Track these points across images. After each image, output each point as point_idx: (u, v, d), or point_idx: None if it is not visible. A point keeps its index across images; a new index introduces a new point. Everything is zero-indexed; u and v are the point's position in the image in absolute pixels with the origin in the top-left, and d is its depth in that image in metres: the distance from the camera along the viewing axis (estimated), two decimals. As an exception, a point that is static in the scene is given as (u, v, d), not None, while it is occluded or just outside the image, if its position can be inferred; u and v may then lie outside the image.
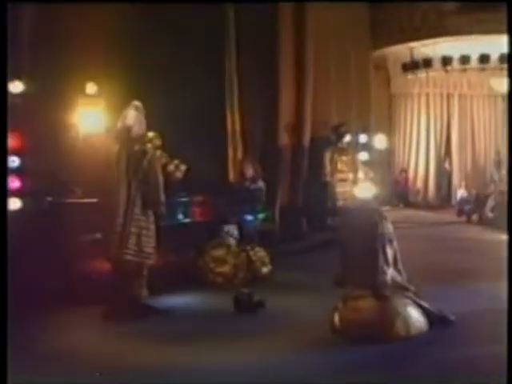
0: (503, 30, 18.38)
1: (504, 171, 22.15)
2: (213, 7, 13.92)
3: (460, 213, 19.97)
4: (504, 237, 16.19)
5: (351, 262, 8.09)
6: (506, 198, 18.53)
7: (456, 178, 23.15)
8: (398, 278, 8.09)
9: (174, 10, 13.06)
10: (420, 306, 8.04)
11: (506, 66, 19.84)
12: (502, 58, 19.57)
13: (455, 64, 20.24)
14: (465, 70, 20.76)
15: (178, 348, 7.54)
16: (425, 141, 23.07)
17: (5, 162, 6.77)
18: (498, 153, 22.93)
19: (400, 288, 8.06)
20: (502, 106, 23.66)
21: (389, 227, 8.14)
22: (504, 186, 20.00)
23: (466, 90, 23.22)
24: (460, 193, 21.41)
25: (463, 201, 20.51)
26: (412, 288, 8.17)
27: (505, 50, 19.18)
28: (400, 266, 8.19)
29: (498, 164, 22.50)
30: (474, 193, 20.50)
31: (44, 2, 12.34)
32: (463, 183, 22.10)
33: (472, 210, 19.48)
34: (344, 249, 8.29)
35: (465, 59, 19.95)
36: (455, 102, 23.30)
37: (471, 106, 23.51)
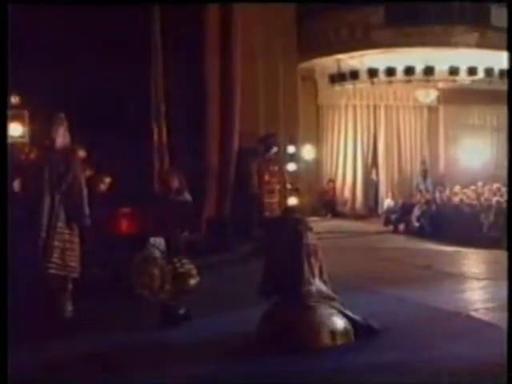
0: (426, 43, 19.03)
1: (429, 180, 22.64)
2: (139, 16, 13.83)
3: (387, 222, 20.26)
4: (429, 245, 16.61)
5: (277, 272, 8.10)
6: (432, 207, 18.98)
7: (383, 188, 23.48)
8: (324, 288, 8.12)
9: (99, 19, 12.93)
10: (345, 316, 8.10)
11: (430, 77, 20.30)
12: (426, 70, 19.95)
13: (381, 76, 20.53)
14: (391, 82, 21.07)
15: (104, 361, 7.43)
16: (352, 151, 23.34)
17: (5, 161, 6.67)
18: (423, 162, 23.41)
19: (325, 298, 8.09)
20: (426, 116, 24.16)
21: (314, 237, 8.20)
22: (430, 195, 20.46)
23: (392, 101, 23.66)
24: (387, 202, 21.68)
25: (390, 210, 20.81)
26: (337, 297, 8.22)
27: (428, 62, 19.67)
28: (325, 276, 8.23)
29: (423, 173, 22.96)
30: (401, 202, 20.81)
31: (43, 3, 12.26)
32: (390, 193, 22.40)
33: (398, 219, 19.79)
34: (269, 259, 8.30)
35: (390, 71, 20.26)
36: (381, 113, 23.68)
37: (397, 117, 23.92)
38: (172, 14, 14.44)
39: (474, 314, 9.46)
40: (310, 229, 8.25)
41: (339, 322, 7.98)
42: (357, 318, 8.18)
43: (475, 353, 7.50)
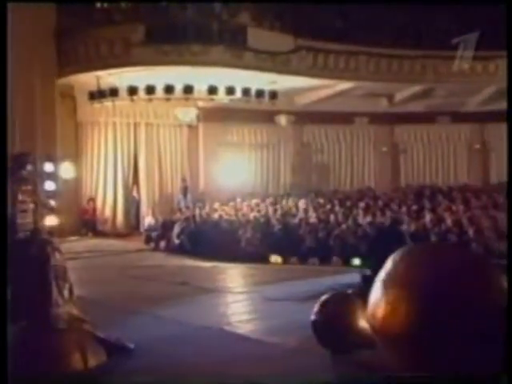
0: (184, 62, 19.27)
1: (190, 197, 22.91)
2: None
3: (148, 240, 20.22)
4: (188, 262, 16.80)
5: (25, 295, 7.78)
6: (191, 224, 19.18)
7: (144, 206, 23.40)
8: (74, 310, 7.92)
9: None
10: (97, 337, 7.94)
11: (189, 96, 20.59)
12: (185, 89, 20.21)
13: (141, 94, 20.50)
14: (151, 100, 21.09)
15: None
16: (112, 169, 23.03)
17: (5, 163, 5.92)
18: (183, 180, 23.62)
19: (76, 320, 7.89)
20: (187, 134, 24.46)
21: (62, 258, 7.97)
22: (189, 212, 20.68)
23: (152, 119, 23.65)
24: (147, 220, 21.65)
25: (151, 228, 20.81)
26: (88, 319, 8.05)
27: (187, 81, 19.94)
28: (75, 298, 8.03)
29: (184, 191, 23.19)
30: (161, 220, 20.87)
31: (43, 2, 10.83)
32: (150, 211, 22.40)
33: (159, 236, 19.81)
34: (16, 283, 7.93)
35: (150, 89, 20.29)
36: (142, 130, 23.59)
37: (158, 135, 23.95)
38: None
39: (226, 327, 9.62)
40: (58, 249, 8.00)
41: (91, 344, 7.82)
42: (109, 338, 8.06)
43: (227, 366, 7.64)
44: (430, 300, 5.89)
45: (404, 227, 16.23)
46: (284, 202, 21.62)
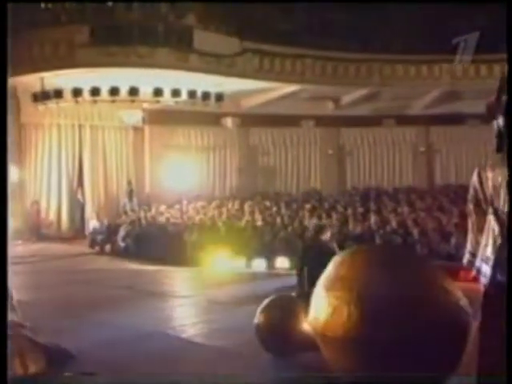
0: (130, 64, 19.12)
1: (135, 200, 22.75)
2: None
3: (93, 243, 20.00)
4: (133, 265, 16.66)
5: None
6: (137, 227, 18.98)
7: (89, 209, 23.18)
8: (13, 316, 7.73)
9: None
10: (37, 343, 7.77)
11: (134, 98, 20.42)
12: (131, 91, 20.03)
13: (86, 95, 20.27)
14: (95, 102, 20.87)
15: None
16: (57, 172, 22.80)
17: (5, 165, 5.74)
18: (129, 183, 23.43)
19: (15, 326, 7.71)
20: (132, 137, 24.29)
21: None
22: (135, 216, 20.51)
23: (97, 121, 23.48)
24: (92, 223, 21.40)
25: (96, 231, 20.55)
26: (28, 324, 7.87)
27: (133, 83, 19.77)
28: (15, 303, 7.84)
29: (129, 194, 23.00)
30: (106, 223, 20.65)
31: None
32: (95, 214, 22.14)
33: (104, 240, 19.61)
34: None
35: (95, 91, 20.09)
36: (87, 133, 23.40)
37: (103, 138, 23.78)
38: None
39: (170, 331, 9.52)
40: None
41: (30, 350, 7.64)
42: (50, 344, 7.90)
43: (170, 370, 7.56)
44: (371, 302, 5.90)
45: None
46: (230, 204, 21.57)
